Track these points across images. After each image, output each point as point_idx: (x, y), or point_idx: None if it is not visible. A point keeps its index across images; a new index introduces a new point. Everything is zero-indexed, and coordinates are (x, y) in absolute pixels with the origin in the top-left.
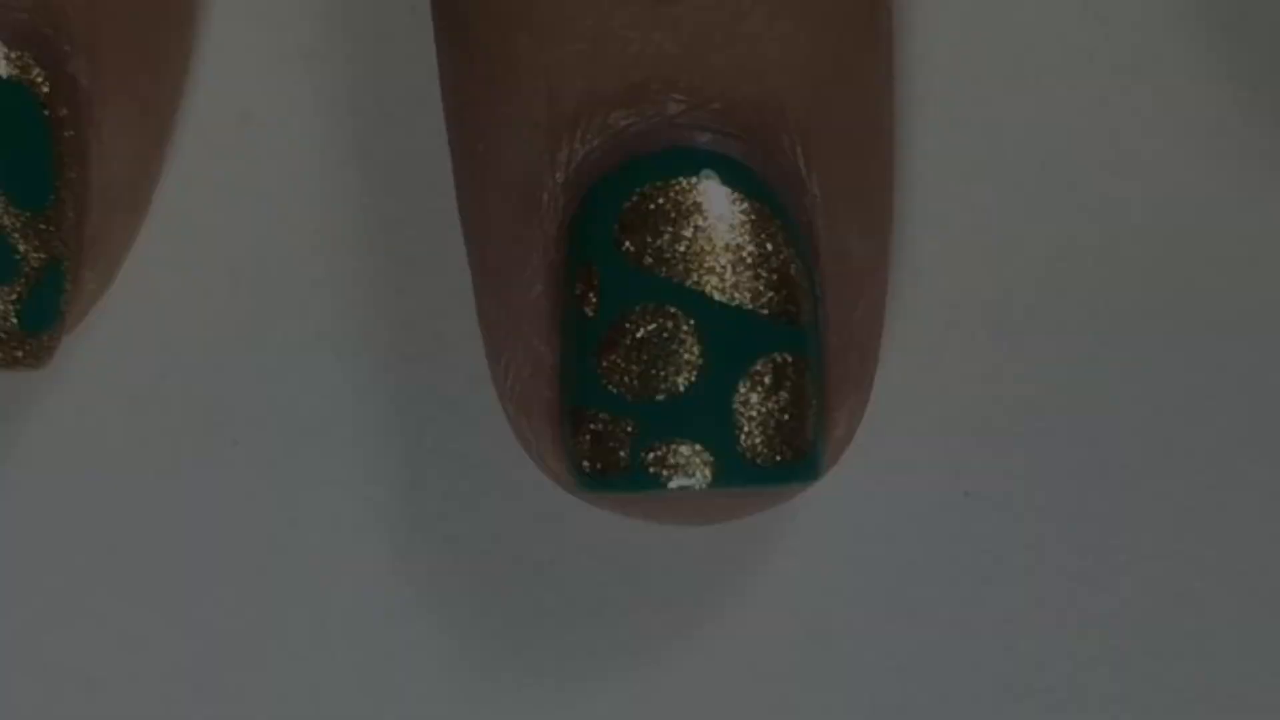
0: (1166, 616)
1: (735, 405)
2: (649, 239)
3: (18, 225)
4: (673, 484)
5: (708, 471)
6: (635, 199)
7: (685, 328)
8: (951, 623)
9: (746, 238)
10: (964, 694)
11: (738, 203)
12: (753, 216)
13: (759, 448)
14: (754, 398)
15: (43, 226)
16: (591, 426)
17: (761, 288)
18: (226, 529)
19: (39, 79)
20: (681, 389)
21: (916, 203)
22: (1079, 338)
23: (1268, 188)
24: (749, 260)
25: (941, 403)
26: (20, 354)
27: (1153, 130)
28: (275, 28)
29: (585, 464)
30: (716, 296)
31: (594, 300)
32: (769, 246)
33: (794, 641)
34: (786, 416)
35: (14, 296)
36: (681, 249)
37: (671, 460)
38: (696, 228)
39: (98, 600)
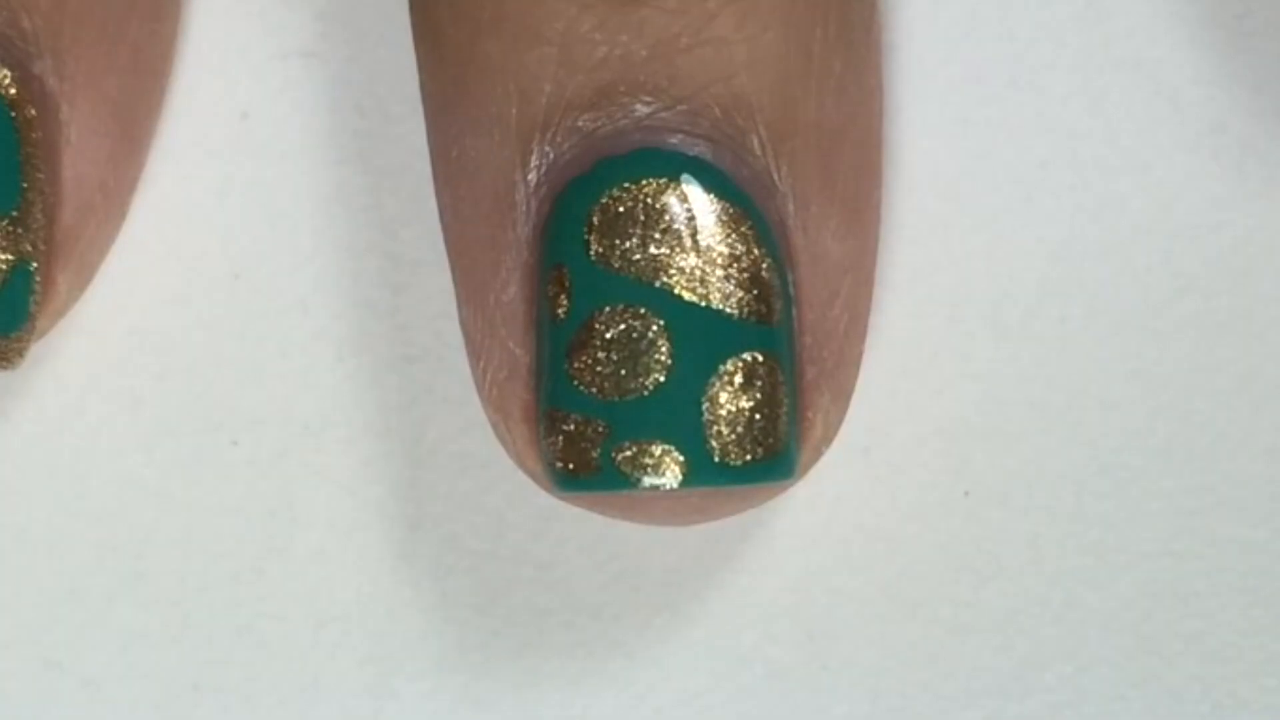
0: (1166, 616)
1: (705, 405)
2: (618, 240)
3: None
4: (644, 483)
5: (678, 471)
6: (605, 201)
7: (655, 328)
8: (951, 622)
9: (716, 238)
10: (964, 694)
11: (708, 204)
12: (723, 217)
13: (730, 447)
14: (724, 397)
15: (11, 228)
16: (564, 427)
17: (732, 288)
18: (226, 529)
19: (5, 80)
20: (651, 389)
21: (916, 202)
22: (1079, 338)
23: (1268, 188)
24: (719, 260)
25: (941, 403)
26: None
27: (1153, 130)
28: (274, 27)
29: (558, 464)
30: (686, 297)
31: (564, 302)
32: (739, 247)
33: (794, 641)
34: (758, 416)
35: None
36: (651, 250)
37: (642, 460)
38: (665, 229)
39: (98, 600)
